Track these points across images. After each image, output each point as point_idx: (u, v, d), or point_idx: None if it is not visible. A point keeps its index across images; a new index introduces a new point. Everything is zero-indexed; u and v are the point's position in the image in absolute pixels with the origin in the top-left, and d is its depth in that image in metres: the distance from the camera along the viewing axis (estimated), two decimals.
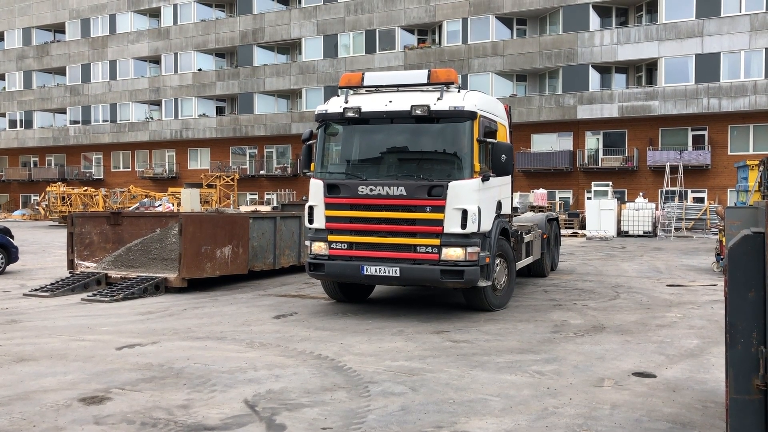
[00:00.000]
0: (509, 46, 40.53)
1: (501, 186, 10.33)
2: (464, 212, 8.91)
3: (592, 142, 39.71)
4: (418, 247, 9.11)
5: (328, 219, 9.57)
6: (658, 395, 5.94)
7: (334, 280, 10.19)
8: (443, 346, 7.80)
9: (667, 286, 13.15)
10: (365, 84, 9.84)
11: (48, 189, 42.47)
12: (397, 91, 9.76)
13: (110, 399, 5.79)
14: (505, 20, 41.10)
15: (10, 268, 16.05)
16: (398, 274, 9.13)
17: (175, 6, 51.03)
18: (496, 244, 9.68)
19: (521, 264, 11.87)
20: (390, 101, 9.42)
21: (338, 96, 9.99)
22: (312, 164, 9.86)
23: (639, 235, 30.21)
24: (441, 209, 8.96)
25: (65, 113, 56.48)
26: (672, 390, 6.10)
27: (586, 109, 38.37)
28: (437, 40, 42.93)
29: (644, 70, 38.44)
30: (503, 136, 10.87)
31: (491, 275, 9.54)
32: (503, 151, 9.35)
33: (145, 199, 42.52)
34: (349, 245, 9.47)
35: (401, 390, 6.05)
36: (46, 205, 42.38)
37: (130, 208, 38.25)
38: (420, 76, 9.70)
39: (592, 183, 38.18)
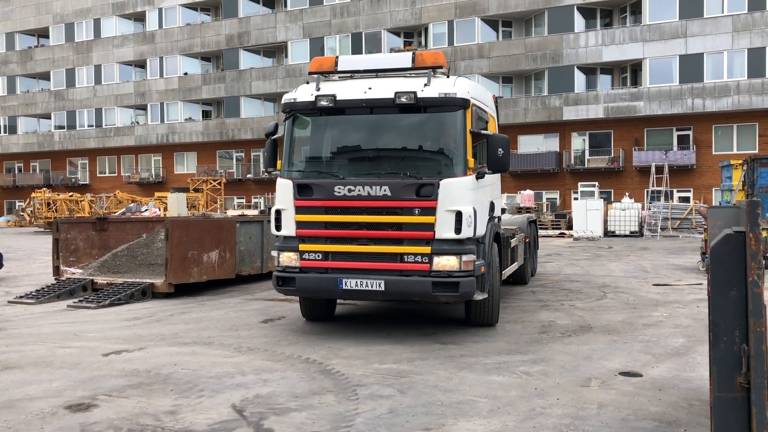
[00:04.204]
0: (495, 48, 40.72)
1: (492, 185, 9.43)
2: (458, 214, 7.76)
3: (579, 142, 39.97)
4: (405, 256, 7.94)
5: (299, 225, 8.30)
6: (645, 394, 5.98)
7: (307, 296, 8.95)
8: (431, 348, 7.81)
9: (654, 285, 13.24)
10: (339, 69, 8.64)
11: (33, 195, 42.19)
12: (377, 76, 8.61)
13: (97, 406, 5.75)
14: (491, 22, 41.32)
15: None
16: (383, 288, 7.93)
17: (160, 10, 50.87)
18: (490, 250, 8.64)
19: (507, 271, 10.77)
20: (369, 88, 8.26)
21: (308, 83, 8.75)
22: (278, 162, 8.71)
23: (625, 235, 30.40)
24: (432, 211, 7.81)
25: (50, 118, 56.16)
26: (658, 389, 6.14)
27: (572, 110, 38.62)
28: (423, 43, 43.02)
29: (629, 71, 38.76)
30: (493, 129, 9.79)
31: (487, 286, 8.37)
32: (500, 144, 8.18)
33: (132, 204, 42.33)
34: (324, 255, 8.22)
35: (389, 393, 6.05)
36: (31, 211, 42.11)
37: (117, 214, 38.06)
38: (403, 59, 8.51)
39: (579, 183, 38.44)
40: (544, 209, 37.49)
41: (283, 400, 5.87)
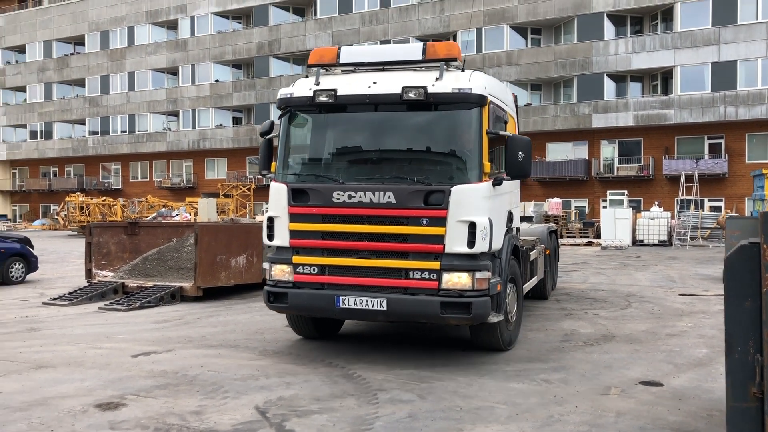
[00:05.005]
0: (524, 56, 40.63)
1: (511, 192, 8.51)
2: (472, 226, 6.93)
3: (608, 150, 39.64)
4: (411, 272, 7.09)
5: (294, 234, 7.48)
6: (664, 404, 5.99)
7: (301, 314, 8.13)
8: (453, 354, 7.88)
9: (680, 295, 13.14)
10: (342, 61, 7.78)
11: (67, 199, 43.08)
12: (383, 69, 7.77)
13: (125, 405, 5.94)
14: (520, 29, 41.23)
15: (29, 277, 16.34)
16: (385, 308, 7.08)
17: (192, 18, 51.68)
18: (508, 266, 7.76)
19: (527, 287, 9.89)
20: (374, 82, 7.43)
21: (308, 77, 7.93)
22: (273, 164, 7.86)
23: (654, 245, 30.07)
24: (442, 222, 6.98)
25: (84, 124, 57.26)
26: (678, 399, 6.15)
27: (601, 118, 38.34)
28: None
29: (659, 79, 38.36)
30: (511, 129, 8.70)
31: (503, 306, 7.52)
32: (520, 147, 7.36)
33: (163, 209, 42.98)
34: (320, 269, 7.41)
35: (409, 397, 6.15)
36: (66, 215, 42.98)
37: (148, 218, 38.69)
38: (413, 50, 7.66)
39: (608, 192, 38.08)
40: (572, 217, 37.24)
41: (306, 402, 6.01)
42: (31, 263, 16.10)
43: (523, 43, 41.39)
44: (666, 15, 37.92)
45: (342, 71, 7.94)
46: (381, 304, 7.10)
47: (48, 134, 59.15)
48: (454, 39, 42.48)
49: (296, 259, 7.50)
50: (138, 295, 12.09)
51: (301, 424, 5.43)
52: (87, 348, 8.35)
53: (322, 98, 7.46)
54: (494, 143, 7.55)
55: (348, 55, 7.82)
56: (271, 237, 7.66)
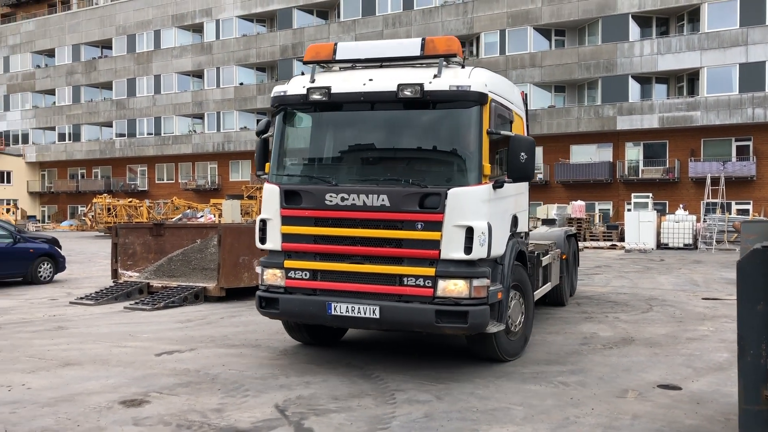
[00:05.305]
0: (547, 57, 40.48)
1: (517, 195, 8.05)
2: (469, 230, 6.61)
3: (633, 152, 39.32)
4: (405, 279, 6.78)
5: (285, 238, 7.19)
6: (682, 407, 5.99)
7: (292, 320, 7.84)
8: (470, 356, 7.92)
9: (703, 299, 13.03)
10: (338, 57, 7.44)
11: (94, 200, 43.82)
12: (381, 66, 7.41)
13: (148, 402, 6.09)
14: (544, 31, 41.08)
15: (57, 277, 16.68)
16: (377, 316, 6.76)
17: (217, 21, 52.26)
18: (510, 273, 7.38)
19: (538, 294, 9.56)
20: (370, 79, 7.09)
21: (303, 74, 7.62)
22: (267, 164, 7.56)
23: (679, 248, 29.77)
24: (437, 226, 6.65)
25: (111, 126, 58.18)
26: (696, 402, 6.15)
27: (625, 120, 38.06)
28: (475, 52, 43.05)
29: (686, 80, 37.98)
30: (518, 129, 8.33)
31: (504, 315, 7.14)
32: (523, 148, 6.98)
33: (188, 211, 43.50)
34: (312, 274, 7.11)
35: (426, 398, 6.22)
36: (93, 216, 43.71)
37: (173, 219, 39.19)
38: (411, 46, 7.27)
39: (632, 194, 37.78)
40: (596, 220, 36.99)
41: (324, 401, 6.11)
42: (58, 263, 16.45)
43: (546, 45, 41.24)
44: (693, 16, 37.53)
45: (341, 68, 7.60)
46: (373, 312, 6.79)
47: (76, 136, 60.17)
48: (477, 41, 42.46)
49: (288, 263, 7.21)
50: (162, 295, 12.30)
51: (319, 422, 5.53)
52: (112, 346, 8.55)
53: (316, 96, 7.18)
54: (497, 144, 7.22)
55: (344, 51, 7.48)
56: (263, 240, 7.39)
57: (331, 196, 6.92)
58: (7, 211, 51.35)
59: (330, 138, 7.64)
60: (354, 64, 7.52)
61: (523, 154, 6.94)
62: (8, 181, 61.74)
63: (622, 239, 32.12)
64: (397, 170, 7.11)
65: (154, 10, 54.94)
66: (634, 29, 38.34)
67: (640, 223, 29.72)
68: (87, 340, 8.96)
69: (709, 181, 32.11)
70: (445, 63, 7.10)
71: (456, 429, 5.39)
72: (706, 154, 37.11)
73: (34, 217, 59.86)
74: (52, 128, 61.49)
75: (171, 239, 14.21)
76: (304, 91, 7.23)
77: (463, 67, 7.17)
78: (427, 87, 6.80)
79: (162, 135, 55.09)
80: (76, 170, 61.56)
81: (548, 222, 25.56)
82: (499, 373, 7.12)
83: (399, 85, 6.85)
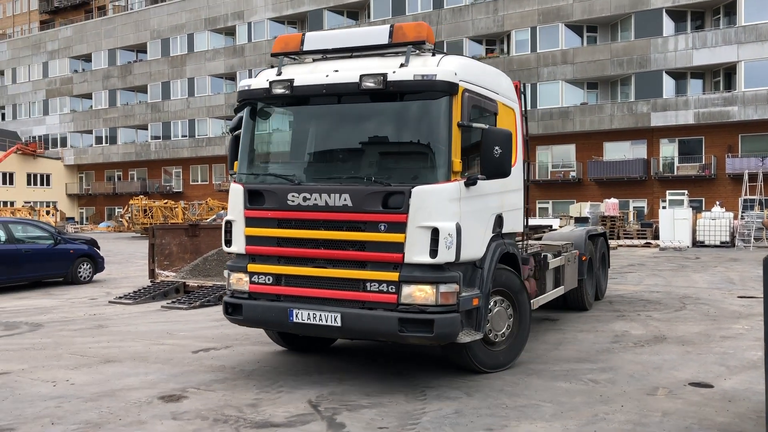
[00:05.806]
0: (579, 54, 40.11)
1: (502, 193, 7.28)
2: (434, 232, 6.09)
3: (668, 149, 38.76)
4: (368, 284, 6.29)
5: (249, 240, 6.81)
6: (713, 405, 5.99)
7: (254, 327, 7.42)
8: None
9: (738, 297, 12.87)
10: (306, 48, 7.01)
11: (131, 202, 44.64)
12: (350, 56, 6.96)
13: (186, 397, 6.29)
14: (575, 28, 40.70)
15: (96, 277, 17.11)
16: (339, 324, 6.34)
17: (249, 24, 52.84)
18: (491, 277, 6.77)
19: (544, 299, 9.02)
20: (335, 71, 6.64)
21: (272, 67, 7.17)
22: (236, 163, 7.19)
23: (715, 246, 29.29)
24: (401, 227, 6.14)
25: (147, 129, 59.21)
26: (728, 400, 6.13)
27: (660, 116, 37.54)
28: (506, 50, 42.86)
29: (722, 75, 37.30)
30: (509, 122, 7.61)
31: (482, 324, 6.58)
32: (498, 141, 6.38)
33: (222, 211, 44.02)
34: (276, 278, 6.71)
35: (456, 394, 6.31)
36: (129, 217, 44.53)
37: (208, 220, 39.76)
38: (379, 33, 6.77)
39: (667, 192, 37.18)
40: (630, 218, 36.55)
41: (356, 397, 6.24)
42: (97, 264, 16.88)
43: (578, 42, 40.85)
44: (729, 9, 36.85)
45: (314, 59, 7.15)
46: (335, 320, 6.36)
47: (112, 139, 61.34)
48: (508, 38, 42.25)
49: (252, 267, 6.82)
50: (198, 294, 12.56)
51: (350, 417, 5.66)
52: (151, 344, 8.80)
53: (278, 90, 6.74)
54: (473, 138, 6.62)
55: (312, 41, 7.05)
56: (228, 243, 7.02)
57: (293, 196, 6.53)
58: (47, 213, 52.60)
59: (293, 133, 7.31)
60: (324, 54, 7.09)
61: (497, 148, 6.38)
62: (47, 184, 63.26)
63: (656, 237, 31.72)
64: (363, 168, 6.69)
65: (187, 14, 55.76)
66: (668, 24, 37.79)
67: (675, 221, 29.30)
68: (126, 338, 9.24)
69: (746, 177, 31.51)
70: (416, 51, 6.62)
71: (485, 425, 5.47)
72: (744, 150, 36.42)
73: (73, 218, 61.23)
74: (90, 131, 62.78)
75: (206, 239, 14.49)
76: (267, 85, 6.83)
77: (433, 54, 6.63)
78: (391, 77, 6.30)
79: (196, 137, 55.89)
80: (113, 172, 62.78)
81: (581, 220, 25.42)
82: (530, 371, 7.18)
83: (361, 76, 6.38)
